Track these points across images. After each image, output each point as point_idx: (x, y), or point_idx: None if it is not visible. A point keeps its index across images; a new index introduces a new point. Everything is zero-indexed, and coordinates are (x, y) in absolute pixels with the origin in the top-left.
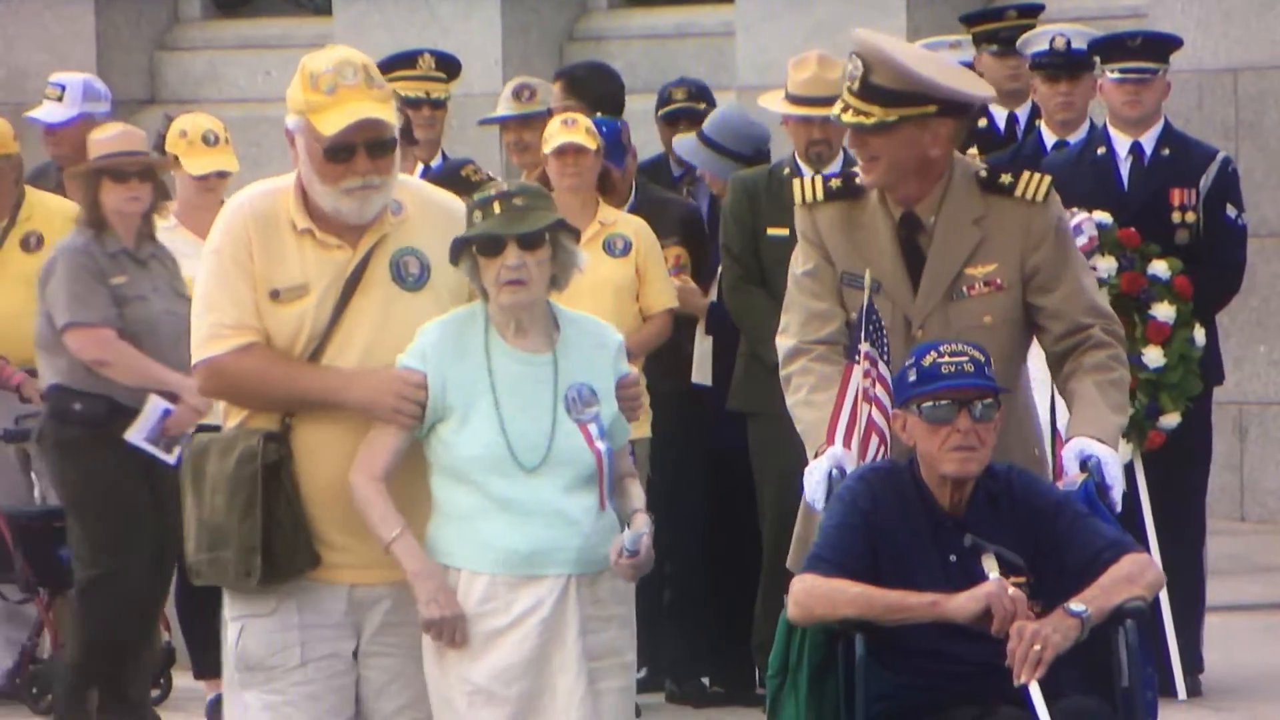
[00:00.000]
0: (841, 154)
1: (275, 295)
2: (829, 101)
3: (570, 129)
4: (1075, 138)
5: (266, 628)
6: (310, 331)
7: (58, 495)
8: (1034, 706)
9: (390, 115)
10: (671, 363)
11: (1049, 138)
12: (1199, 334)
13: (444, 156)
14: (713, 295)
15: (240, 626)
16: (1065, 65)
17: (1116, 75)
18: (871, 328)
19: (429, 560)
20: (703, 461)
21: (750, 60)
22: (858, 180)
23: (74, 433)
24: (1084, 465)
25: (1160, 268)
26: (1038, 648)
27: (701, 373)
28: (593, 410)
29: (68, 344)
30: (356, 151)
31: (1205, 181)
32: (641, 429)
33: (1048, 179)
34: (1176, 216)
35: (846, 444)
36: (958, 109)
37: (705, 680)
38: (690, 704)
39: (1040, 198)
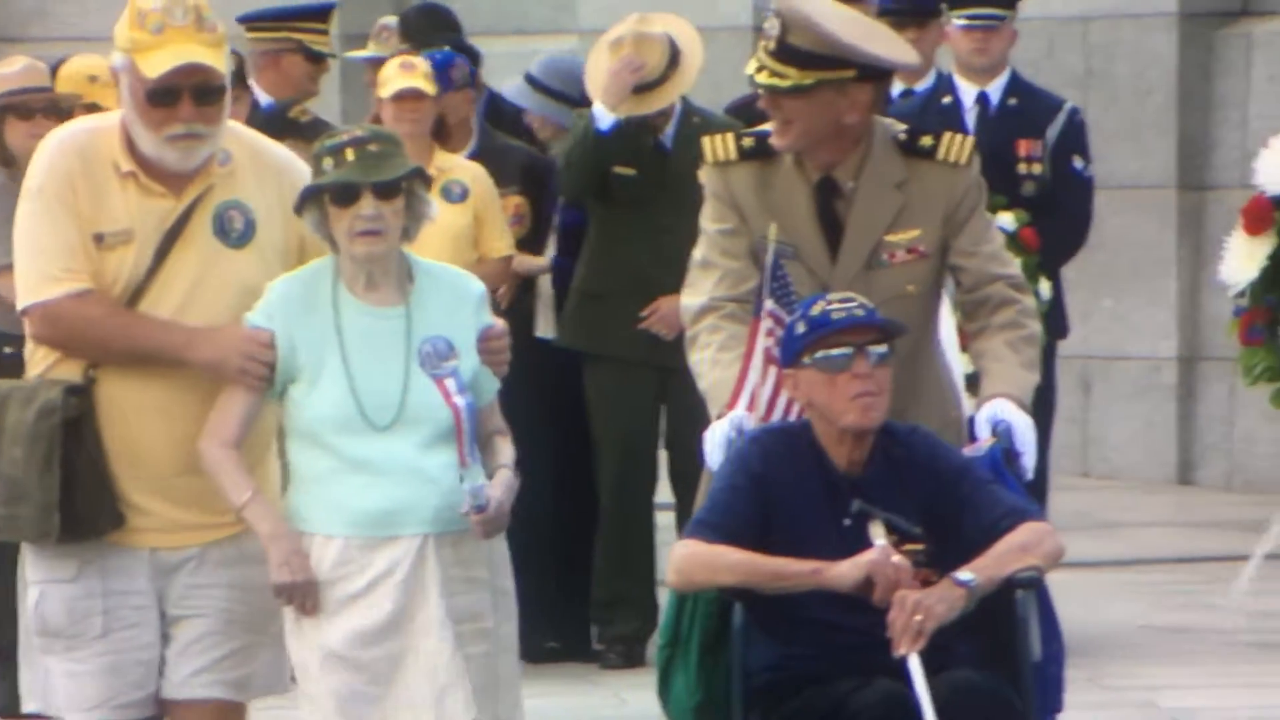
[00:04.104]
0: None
1: (100, 240)
2: (654, 86)
3: (408, 73)
4: (922, 86)
5: (68, 594)
6: (126, 282)
7: None
8: (911, 679)
9: (220, 61)
10: (512, 314)
11: (895, 85)
12: (1045, 287)
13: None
14: (551, 249)
15: (40, 591)
16: (912, 12)
17: (963, 22)
18: (777, 285)
19: (282, 523)
20: (547, 416)
21: (593, 3)
22: (771, 141)
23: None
24: (995, 430)
25: (1006, 220)
26: (919, 618)
27: (545, 326)
28: (449, 364)
29: None
30: (181, 97)
31: (1052, 132)
32: None
33: (970, 140)
34: (1023, 168)
35: (751, 407)
36: (878, 74)
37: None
38: (527, 659)
39: (964, 160)
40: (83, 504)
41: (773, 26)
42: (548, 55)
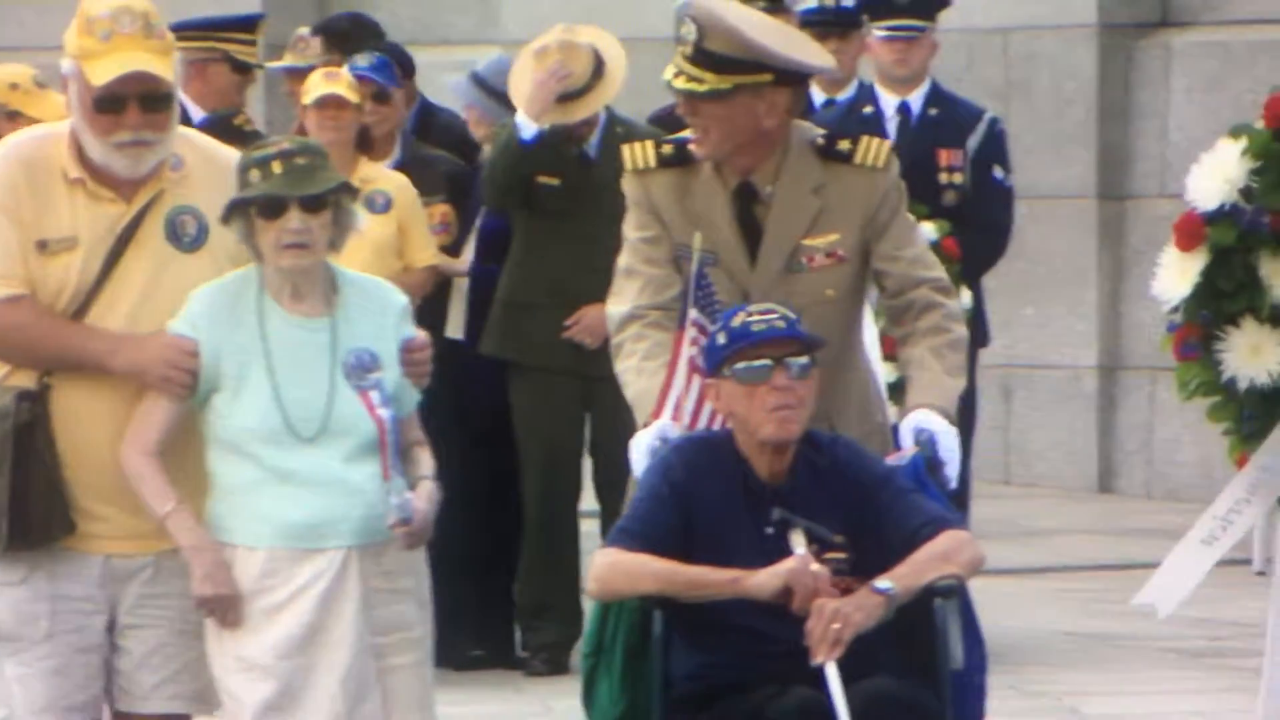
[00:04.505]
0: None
1: (43, 246)
2: (579, 94)
3: (332, 81)
4: (843, 96)
5: (15, 597)
6: (76, 287)
7: None
8: (828, 687)
9: (168, 68)
10: (431, 320)
11: (818, 96)
12: (966, 296)
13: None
14: (469, 254)
15: None
16: (835, 23)
17: (885, 33)
18: (701, 294)
19: (204, 535)
20: (465, 419)
21: (517, 14)
22: (690, 147)
23: None
24: (918, 440)
25: (928, 229)
26: (836, 626)
27: (456, 326)
28: (374, 376)
29: None
30: (128, 104)
31: (973, 142)
32: None
33: (887, 143)
34: (944, 177)
35: (676, 416)
36: (795, 78)
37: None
38: (451, 667)
39: (881, 163)
40: (34, 510)
41: (689, 32)
42: (495, 56)
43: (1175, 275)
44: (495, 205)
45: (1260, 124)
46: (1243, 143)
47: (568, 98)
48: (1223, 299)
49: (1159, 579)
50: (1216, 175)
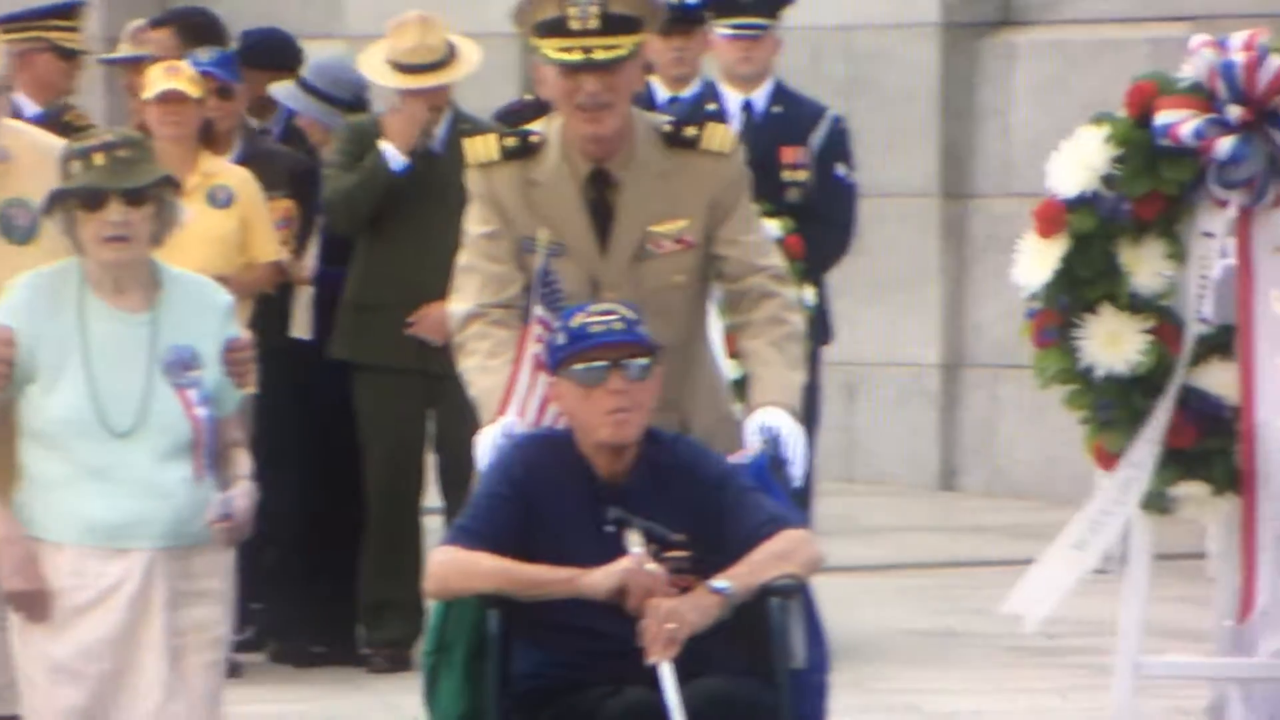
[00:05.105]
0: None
1: None
2: (434, 68)
3: (172, 76)
4: (688, 93)
5: None
6: None
7: None
8: (663, 686)
9: None
10: (274, 317)
11: (662, 93)
12: (809, 293)
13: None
14: (313, 258)
15: None
16: (679, 20)
17: (728, 31)
18: (547, 291)
19: (16, 527)
20: (307, 418)
21: (361, 8)
22: (533, 139)
23: None
24: (763, 438)
25: (772, 226)
26: (671, 625)
27: (301, 326)
28: (193, 374)
29: None
30: None
31: (816, 140)
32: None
33: (732, 130)
34: (787, 175)
35: (521, 413)
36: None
37: (312, 642)
38: (293, 663)
39: (727, 149)
40: None
41: (585, 5)
42: (318, 59)
43: (1035, 262)
44: (346, 231)
45: (1122, 112)
46: (1105, 130)
47: (423, 69)
48: (1082, 286)
49: (1027, 587)
50: (1078, 162)
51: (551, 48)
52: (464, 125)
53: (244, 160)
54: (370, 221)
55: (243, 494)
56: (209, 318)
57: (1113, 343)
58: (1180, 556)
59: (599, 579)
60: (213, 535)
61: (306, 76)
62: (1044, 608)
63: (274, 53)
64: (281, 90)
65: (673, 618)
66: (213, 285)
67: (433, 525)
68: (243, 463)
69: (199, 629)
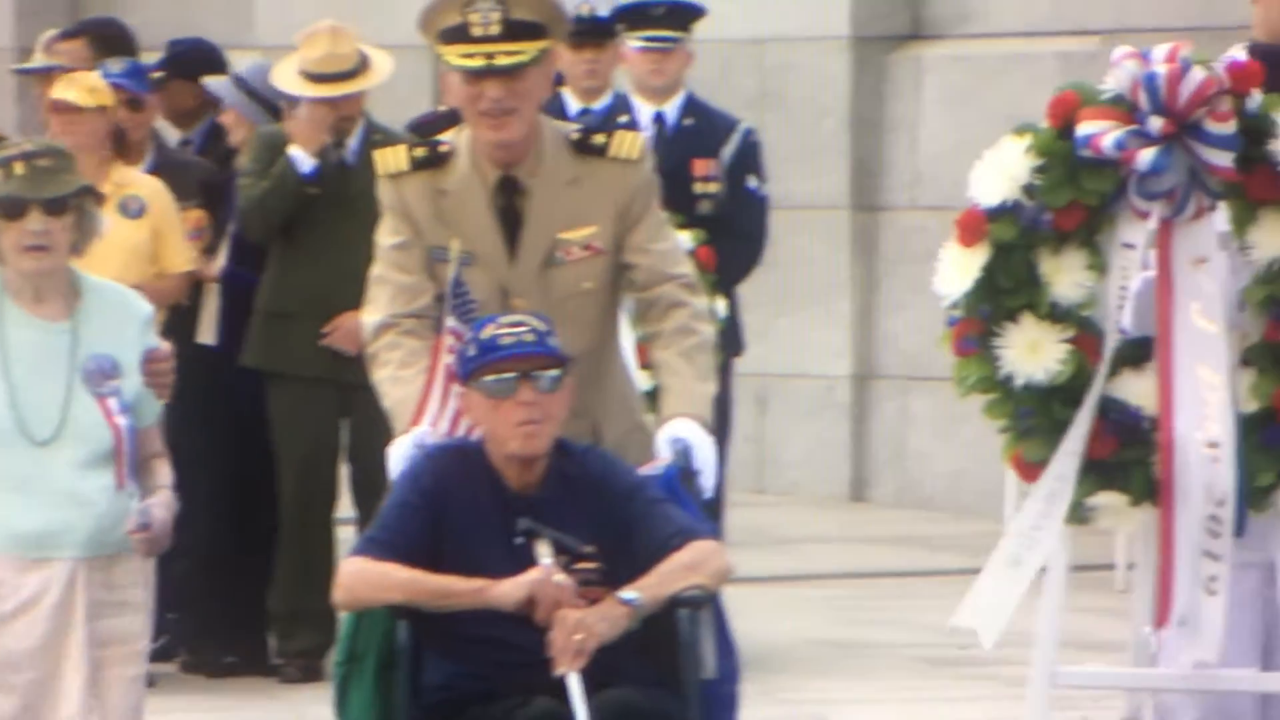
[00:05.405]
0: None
1: None
2: (345, 77)
3: (67, 86)
4: (599, 105)
5: None
6: None
7: None
8: (571, 697)
9: None
10: (186, 325)
11: (573, 105)
12: (721, 305)
13: None
14: (223, 259)
15: None
16: (590, 32)
17: (640, 44)
18: (459, 302)
19: None
20: (219, 426)
21: (271, 19)
22: (442, 149)
23: None
24: (674, 449)
25: (683, 238)
26: (579, 637)
27: (206, 331)
28: (113, 384)
29: None
30: None
31: (727, 152)
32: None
33: (641, 137)
34: (699, 187)
35: (434, 424)
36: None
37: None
38: (204, 674)
39: (635, 156)
40: None
41: (487, 12)
42: (255, 62)
43: (956, 271)
44: (260, 239)
45: (1044, 123)
46: (1027, 140)
47: (335, 78)
48: (1002, 295)
49: (976, 604)
50: (1000, 172)
51: (454, 54)
52: (377, 136)
53: (155, 170)
54: (284, 230)
55: (161, 504)
56: (129, 327)
57: (1032, 352)
58: (1088, 568)
59: (508, 590)
60: (132, 545)
61: (242, 73)
62: (997, 626)
63: (200, 62)
64: (216, 83)
65: (581, 629)
66: (133, 295)
67: (346, 535)
68: (163, 473)
69: (120, 641)
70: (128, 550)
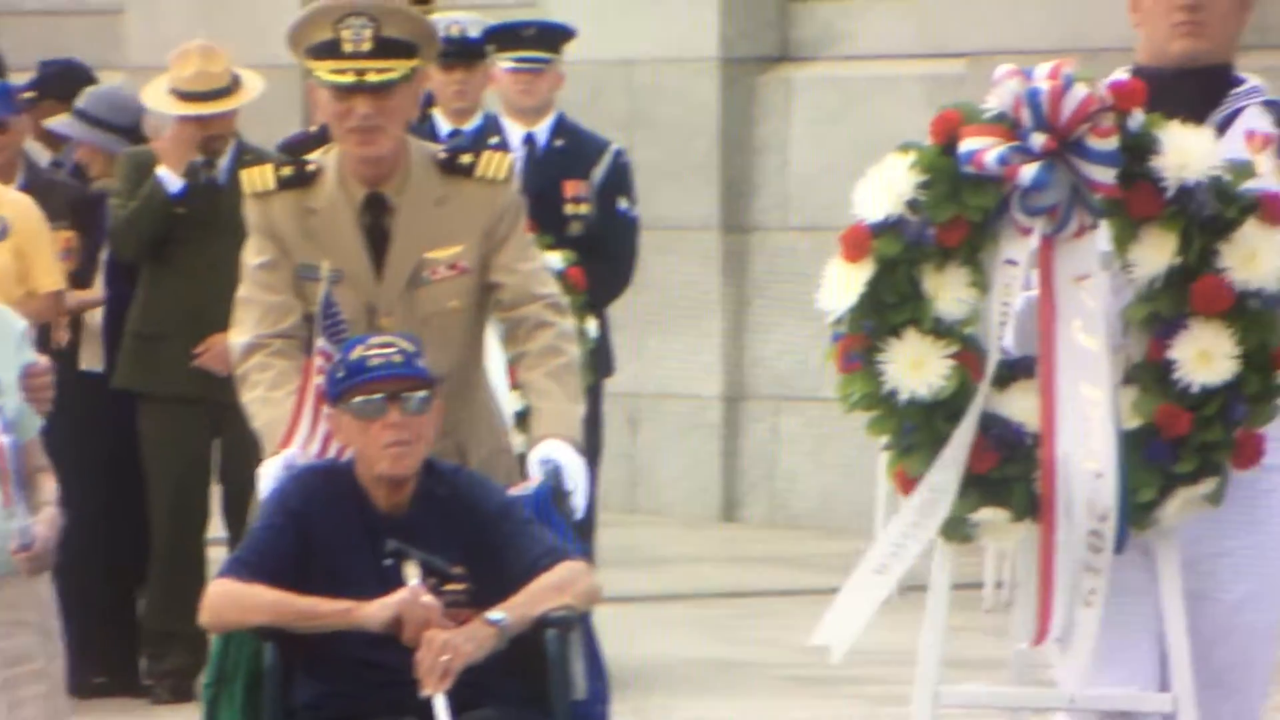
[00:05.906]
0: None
1: None
2: (216, 96)
3: None
4: (470, 126)
5: None
6: None
7: None
8: (437, 718)
9: None
10: (59, 351)
11: (444, 126)
12: (592, 325)
13: None
14: (100, 285)
15: None
16: (460, 53)
17: (510, 65)
18: (330, 323)
19: None
20: (90, 446)
21: (141, 39)
22: (310, 168)
23: None
24: (545, 470)
25: (554, 259)
26: (445, 657)
27: (90, 357)
28: None
29: None
30: None
31: (598, 173)
32: None
33: (510, 157)
34: (569, 208)
35: (305, 445)
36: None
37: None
38: (74, 694)
39: (502, 176)
40: None
41: (361, 24)
42: (93, 89)
43: (840, 286)
44: (132, 258)
45: (927, 140)
46: (911, 157)
47: (206, 97)
48: (886, 311)
49: (832, 618)
50: (884, 188)
51: (324, 70)
52: (248, 156)
53: (25, 191)
54: (154, 250)
55: (44, 522)
56: (6, 344)
57: (916, 367)
58: (958, 587)
59: (374, 611)
60: (16, 567)
61: (83, 106)
62: (848, 637)
63: (71, 83)
64: (60, 123)
65: (447, 649)
66: (6, 311)
67: (217, 556)
68: (49, 488)
69: (25, 660)
70: (15, 571)
